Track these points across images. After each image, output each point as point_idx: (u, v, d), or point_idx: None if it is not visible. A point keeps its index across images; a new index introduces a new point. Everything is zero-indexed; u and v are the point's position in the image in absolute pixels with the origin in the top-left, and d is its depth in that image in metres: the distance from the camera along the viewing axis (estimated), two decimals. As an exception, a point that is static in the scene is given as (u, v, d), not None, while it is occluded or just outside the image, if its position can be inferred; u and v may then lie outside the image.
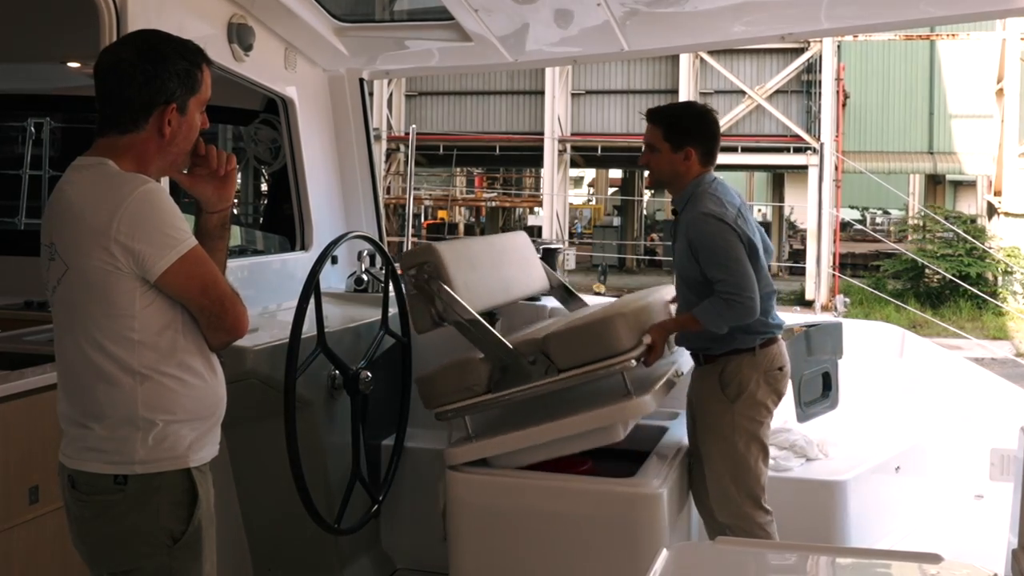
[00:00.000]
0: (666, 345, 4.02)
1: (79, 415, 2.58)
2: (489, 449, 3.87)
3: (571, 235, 32.84)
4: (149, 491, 2.56)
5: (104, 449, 2.55)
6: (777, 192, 34.68)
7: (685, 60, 27.30)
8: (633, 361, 3.73)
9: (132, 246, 2.48)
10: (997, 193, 26.86)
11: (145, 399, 2.54)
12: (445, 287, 3.81)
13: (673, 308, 4.28)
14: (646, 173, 4.21)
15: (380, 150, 27.61)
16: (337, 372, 4.14)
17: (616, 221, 38.63)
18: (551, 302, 5.08)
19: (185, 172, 2.73)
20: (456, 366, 3.90)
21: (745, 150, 26.85)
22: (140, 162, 2.60)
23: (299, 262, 4.90)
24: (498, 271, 4.34)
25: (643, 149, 4.10)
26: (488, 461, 3.96)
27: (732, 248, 3.85)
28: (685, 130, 4.03)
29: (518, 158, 33.25)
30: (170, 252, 2.51)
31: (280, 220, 5.63)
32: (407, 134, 21.22)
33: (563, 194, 29.58)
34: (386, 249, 4.86)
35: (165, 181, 3.11)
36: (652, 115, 4.10)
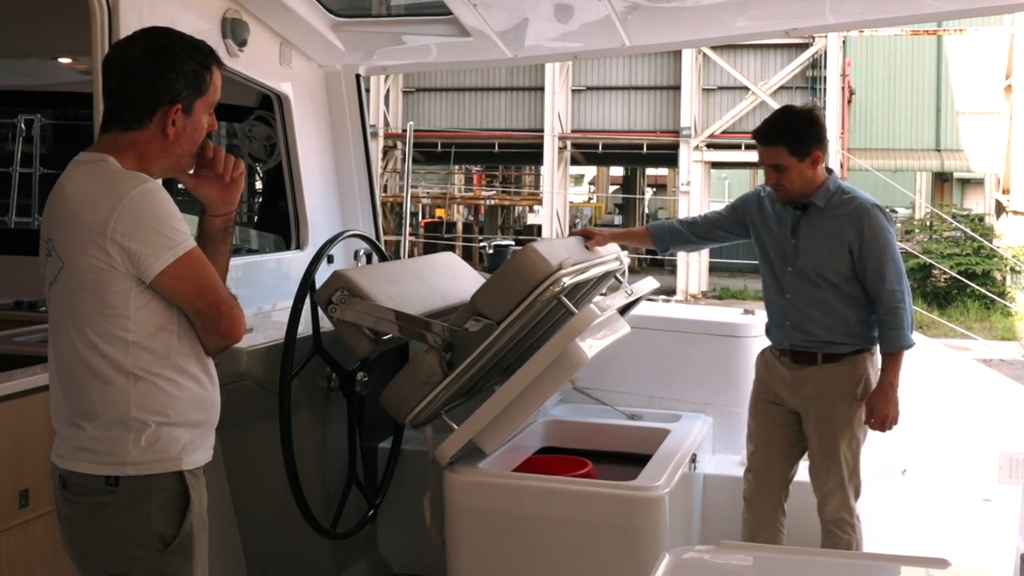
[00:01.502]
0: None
1: (72, 414, 2.59)
2: (471, 429, 3.85)
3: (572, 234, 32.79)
4: (140, 493, 2.56)
5: (96, 449, 2.55)
6: (781, 190, 34.67)
7: (688, 55, 27.32)
8: (565, 280, 3.72)
9: (128, 246, 2.48)
10: (1005, 191, 26.88)
11: (138, 400, 2.54)
12: (365, 301, 3.81)
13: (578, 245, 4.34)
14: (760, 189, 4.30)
15: (377, 147, 27.61)
16: (333, 373, 4.14)
17: (617, 220, 38.67)
18: None
19: (190, 173, 2.73)
20: (407, 369, 3.90)
21: (749, 147, 26.80)
22: (142, 161, 2.60)
23: (294, 261, 4.90)
24: (425, 282, 4.31)
25: (766, 169, 4.13)
26: (480, 447, 3.97)
27: (897, 250, 4.08)
28: (806, 138, 4.09)
29: (517, 155, 33.22)
30: (167, 253, 2.51)
31: (275, 218, 5.63)
32: (404, 131, 21.24)
33: (563, 192, 29.60)
34: (383, 248, 4.86)
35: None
36: (768, 136, 4.11)
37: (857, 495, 4.15)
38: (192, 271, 2.55)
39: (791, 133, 4.09)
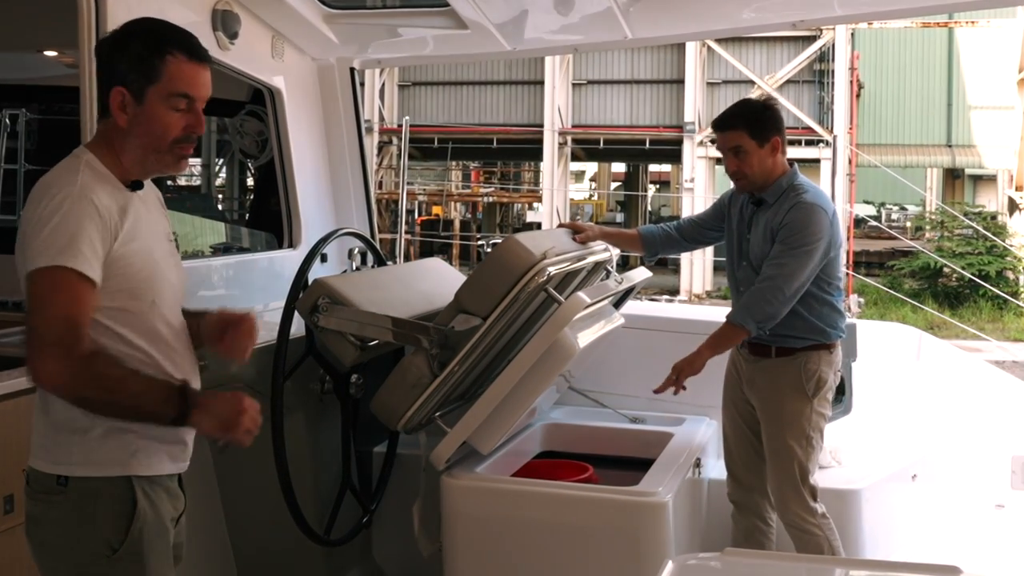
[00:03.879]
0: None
1: (38, 410, 2.62)
2: (465, 430, 3.85)
3: (572, 232, 32.75)
4: (87, 496, 2.56)
5: (48, 447, 2.58)
6: (788, 187, 34.66)
7: (692, 48, 27.30)
8: (550, 270, 3.73)
9: (24, 241, 2.47)
10: (1019, 188, 26.85)
11: None
12: (348, 308, 3.81)
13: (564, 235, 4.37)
14: (724, 179, 4.35)
15: (372, 143, 27.61)
16: (327, 376, 4.14)
17: (619, 217, 38.70)
18: None
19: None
20: (395, 374, 3.89)
21: (754, 143, 26.80)
22: (112, 150, 2.62)
23: (287, 260, 4.89)
24: (409, 287, 4.32)
25: (727, 156, 4.20)
26: (476, 448, 3.97)
27: (813, 250, 4.06)
28: (766, 123, 4.18)
29: (516, 151, 33.23)
30: (38, 258, 2.43)
31: (267, 216, 5.63)
32: (400, 126, 21.28)
33: (563, 189, 29.59)
34: (378, 247, 4.86)
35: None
36: (728, 121, 4.20)
37: (814, 498, 4.15)
38: (38, 288, 2.43)
39: (751, 117, 4.19)
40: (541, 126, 28.51)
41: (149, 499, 2.62)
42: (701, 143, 27.41)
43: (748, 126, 4.14)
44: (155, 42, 2.62)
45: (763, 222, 4.18)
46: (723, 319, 4.28)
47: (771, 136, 4.16)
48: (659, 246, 4.55)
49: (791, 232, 4.07)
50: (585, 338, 3.98)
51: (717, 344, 4.22)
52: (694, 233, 4.56)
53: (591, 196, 43.54)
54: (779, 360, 4.18)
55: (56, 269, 2.42)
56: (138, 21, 2.69)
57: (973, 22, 29.81)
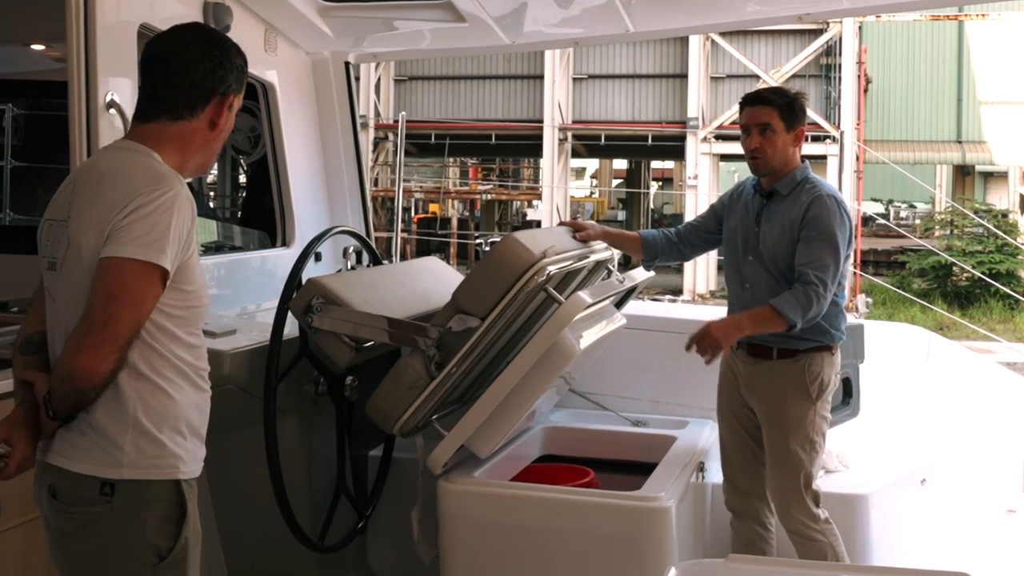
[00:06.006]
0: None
1: None
2: (463, 433, 3.87)
3: (573, 230, 32.74)
4: (138, 503, 2.55)
5: (92, 448, 2.53)
6: (794, 184, 34.65)
7: (695, 42, 27.33)
8: (550, 269, 3.73)
9: (119, 225, 2.46)
10: (1030, 185, 26.89)
11: (142, 400, 2.53)
12: (342, 308, 3.82)
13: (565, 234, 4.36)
14: (738, 158, 4.31)
15: (367, 139, 27.61)
16: (321, 377, 4.14)
17: (621, 215, 38.75)
18: None
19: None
20: (391, 376, 3.90)
21: (759, 139, 26.80)
22: (183, 154, 2.67)
23: (280, 259, 4.90)
24: (406, 287, 4.33)
25: (751, 132, 4.19)
26: (474, 452, 3.98)
27: (840, 244, 4.09)
28: (796, 110, 4.22)
29: (515, 147, 33.23)
30: (130, 247, 2.46)
31: (260, 214, 5.63)
32: (396, 122, 21.23)
33: (564, 186, 29.60)
34: (373, 245, 4.87)
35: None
36: (762, 98, 4.22)
37: (817, 503, 4.14)
38: (130, 280, 2.46)
39: (785, 100, 4.22)
40: (541, 122, 28.52)
41: (192, 503, 2.64)
42: (705, 139, 27.43)
43: (780, 106, 4.18)
44: (243, 55, 2.79)
45: (777, 215, 4.18)
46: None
47: (797, 125, 4.21)
48: (659, 251, 4.54)
49: (822, 227, 4.08)
50: (586, 339, 3.99)
51: (759, 325, 4.10)
52: (693, 238, 4.54)
53: (592, 193, 43.56)
54: (781, 362, 4.17)
55: (154, 268, 2.48)
56: (211, 30, 2.86)
57: (984, 15, 29.83)
